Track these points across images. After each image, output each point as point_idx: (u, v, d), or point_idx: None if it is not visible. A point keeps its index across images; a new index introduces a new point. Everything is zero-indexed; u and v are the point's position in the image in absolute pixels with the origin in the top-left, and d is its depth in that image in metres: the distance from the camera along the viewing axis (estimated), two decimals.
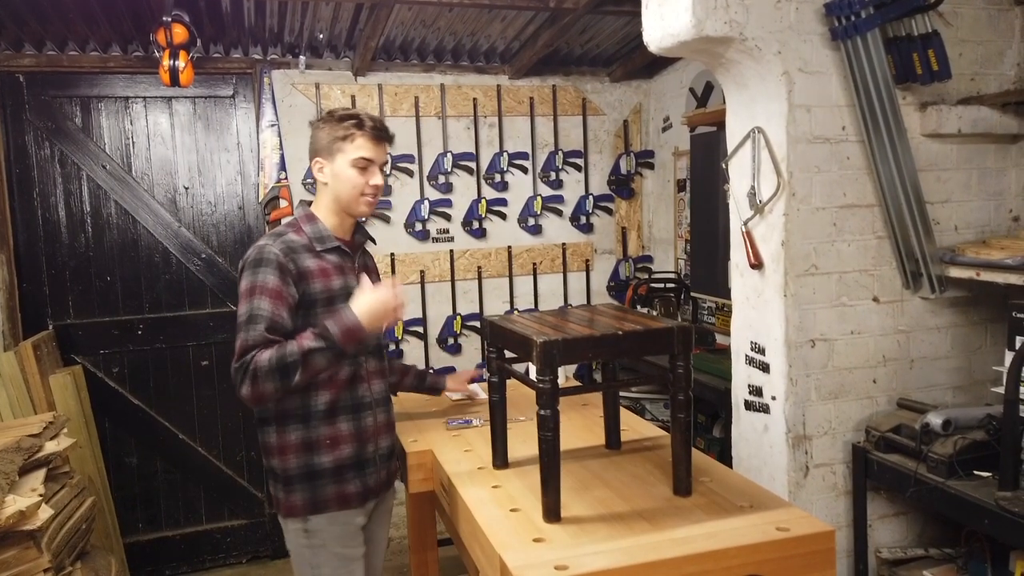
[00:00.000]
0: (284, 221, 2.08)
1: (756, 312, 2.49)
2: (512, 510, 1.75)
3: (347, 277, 1.98)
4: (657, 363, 3.27)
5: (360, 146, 1.94)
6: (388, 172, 3.86)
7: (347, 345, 1.83)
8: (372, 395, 2.01)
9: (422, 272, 3.94)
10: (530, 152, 4.09)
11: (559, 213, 4.17)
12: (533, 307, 4.14)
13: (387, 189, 3.86)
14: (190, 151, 3.65)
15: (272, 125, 3.60)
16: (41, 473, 2.53)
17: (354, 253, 2.05)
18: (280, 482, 1.96)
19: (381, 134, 1.98)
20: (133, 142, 3.58)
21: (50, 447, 2.63)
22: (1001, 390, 2.04)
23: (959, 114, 2.41)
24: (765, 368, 2.45)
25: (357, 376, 1.98)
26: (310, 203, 2.06)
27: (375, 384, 2.03)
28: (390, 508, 2.22)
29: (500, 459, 2.02)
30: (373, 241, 2.19)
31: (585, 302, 4.24)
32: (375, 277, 2.13)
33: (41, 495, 2.36)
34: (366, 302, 1.84)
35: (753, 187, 2.43)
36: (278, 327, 1.83)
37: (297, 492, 1.95)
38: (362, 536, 2.02)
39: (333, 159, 1.96)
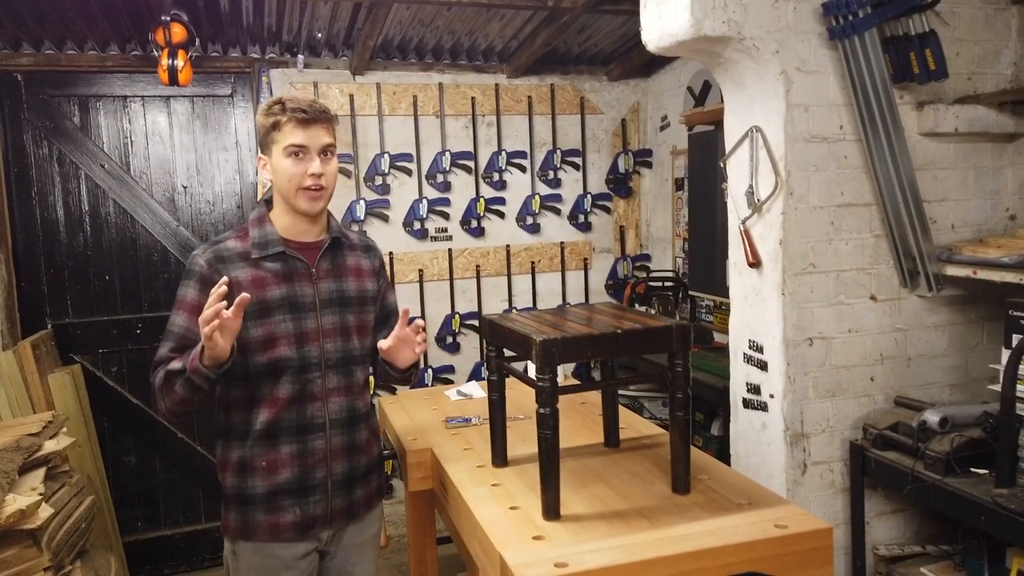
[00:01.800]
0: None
1: (754, 310, 2.50)
2: (512, 508, 1.75)
3: (296, 285, 1.80)
4: (655, 361, 3.30)
5: (288, 132, 1.75)
6: (386, 171, 3.86)
7: (192, 373, 1.63)
8: (327, 415, 1.82)
9: (421, 271, 3.95)
10: (528, 151, 4.09)
11: (557, 212, 4.18)
12: (531, 306, 4.14)
13: (384, 188, 3.86)
14: (188, 150, 3.65)
15: None
16: (41, 472, 2.53)
17: (313, 256, 1.84)
18: (221, 498, 1.86)
19: (307, 115, 1.75)
20: (131, 141, 3.58)
21: (49, 446, 2.64)
22: (998, 388, 2.05)
23: (956, 113, 2.42)
24: (763, 366, 2.46)
25: (306, 394, 1.80)
26: (268, 202, 1.89)
27: (334, 402, 1.83)
28: (372, 539, 2.00)
29: (499, 457, 2.02)
30: (346, 236, 1.93)
31: (583, 301, 4.25)
32: (351, 280, 1.89)
33: (41, 494, 2.36)
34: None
35: (751, 186, 2.43)
36: (189, 343, 1.72)
37: (232, 512, 1.83)
38: (295, 570, 1.82)
39: (270, 152, 1.79)
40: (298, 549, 1.84)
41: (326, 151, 1.80)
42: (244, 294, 1.61)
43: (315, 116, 1.77)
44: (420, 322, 1.88)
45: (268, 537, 1.81)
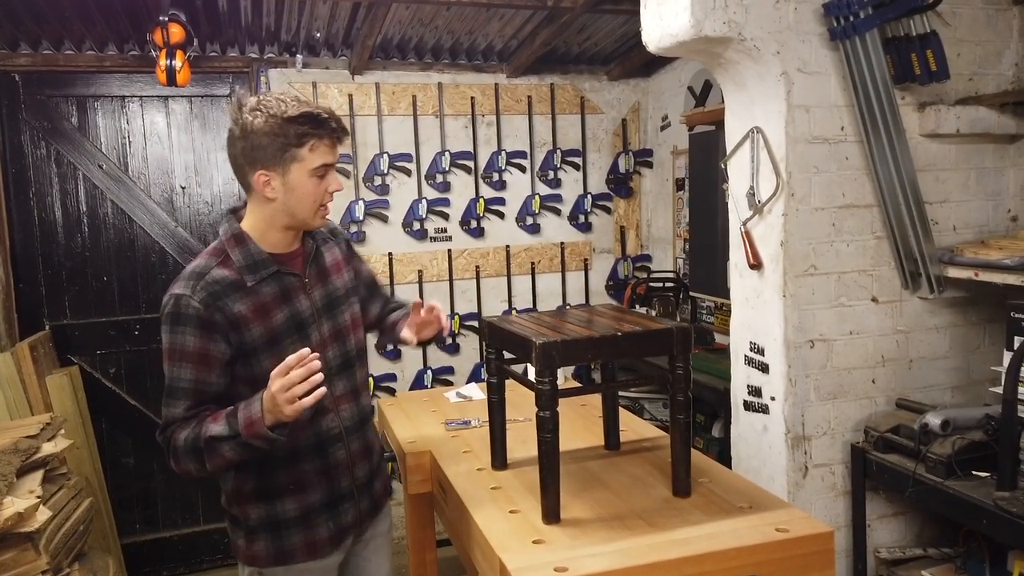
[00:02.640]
0: (211, 245, 1.70)
1: (755, 312, 2.49)
2: (511, 511, 1.74)
3: (295, 302, 1.68)
4: (656, 363, 3.28)
5: (321, 153, 1.60)
6: (385, 171, 3.86)
7: (252, 439, 1.51)
8: (342, 423, 1.76)
9: (420, 272, 3.93)
10: (528, 151, 4.08)
11: (557, 212, 4.17)
12: (531, 307, 4.13)
13: (383, 188, 3.85)
14: (187, 150, 3.64)
15: None
16: (39, 474, 2.52)
17: (304, 267, 1.73)
18: (242, 529, 1.75)
19: (343, 134, 1.64)
20: (129, 141, 3.57)
21: (47, 448, 2.62)
22: (999, 390, 2.04)
23: (957, 114, 2.41)
24: (764, 368, 2.45)
25: (319, 408, 1.67)
26: (236, 212, 1.71)
27: (345, 409, 1.78)
28: (385, 534, 1.97)
29: (499, 460, 2.01)
30: (316, 234, 1.81)
31: (583, 302, 4.24)
32: (335, 277, 1.80)
33: (39, 497, 2.35)
34: (267, 394, 1.51)
35: (752, 187, 2.42)
36: (205, 396, 1.60)
37: (260, 541, 1.73)
38: None
39: (286, 170, 1.60)
40: (329, 562, 1.80)
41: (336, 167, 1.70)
42: (316, 356, 1.50)
43: (343, 135, 1.64)
44: (432, 304, 1.87)
45: (306, 557, 1.74)
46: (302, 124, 1.59)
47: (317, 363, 1.49)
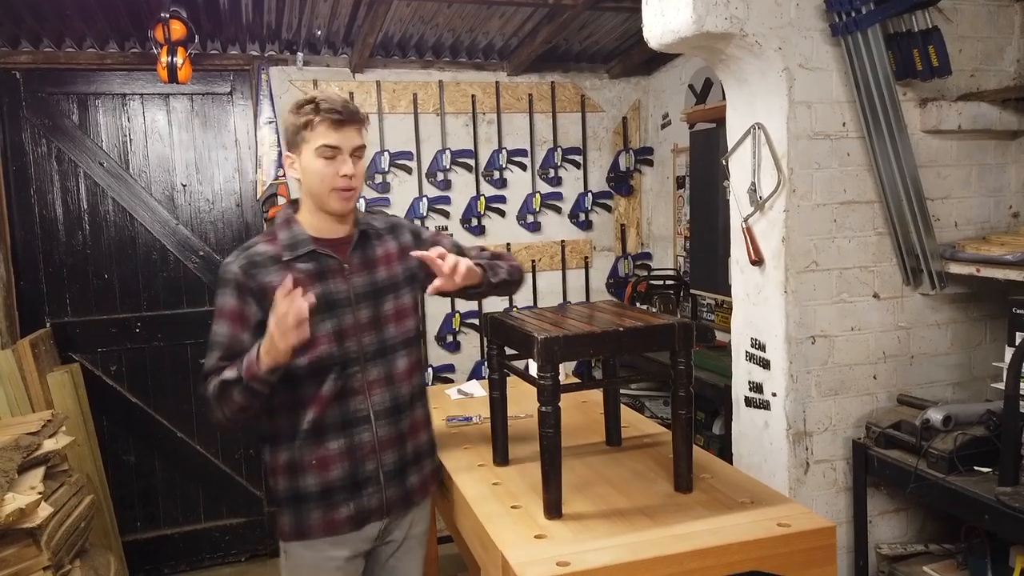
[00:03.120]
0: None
1: (756, 309, 2.49)
2: (513, 507, 1.75)
3: (329, 283, 1.79)
4: (657, 360, 3.29)
5: (321, 133, 1.74)
6: (386, 169, 3.85)
7: (251, 380, 1.65)
8: (371, 407, 1.82)
9: None
10: (529, 149, 4.08)
11: (558, 210, 4.17)
12: (532, 304, 4.13)
13: (384, 186, 3.85)
14: (187, 148, 3.64)
15: (270, 122, 3.59)
16: (40, 471, 2.52)
17: (344, 251, 1.83)
18: (275, 503, 1.88)
19: (341, 116, 1.74)
20: (130, 139, 3.57)
21: (48, 445, 2.63)
22: (1001, 386, 2.04)
23: (959, 110, 2.41)
24: (766, 365, 2.45)
25: (348, 389, 1.79)
26: (295, 202, 1.89)
27: (376, 394, 1.83)
28: (420, 537, 1.99)
29: (500, 456, 2.02)
30: (372, 227, 1.91)
31: (584, 300, 4.24)
32: (381, 269, 1.87)
33: (40, 493, 2.35)
34: (266, 338, 1.64)
35: (754, 183, 2.42)
36: (236, 351, 1.73)
37: (286, 515, 1.83)
38: (343, 572, 1.84)
39: (299, 151, 1.78)
40: (348, 549, 1.84)
41: (357, 152, 1.79)
42: (311, 295, 1.63)
43: (349, 117, 1.75)
44: (437, 253, 1.79)
45: (324, 533, 1.81)
46: (306, 108, 1.75)
47: (301, 300, 1.60)
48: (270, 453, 1.85)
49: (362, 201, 3.81)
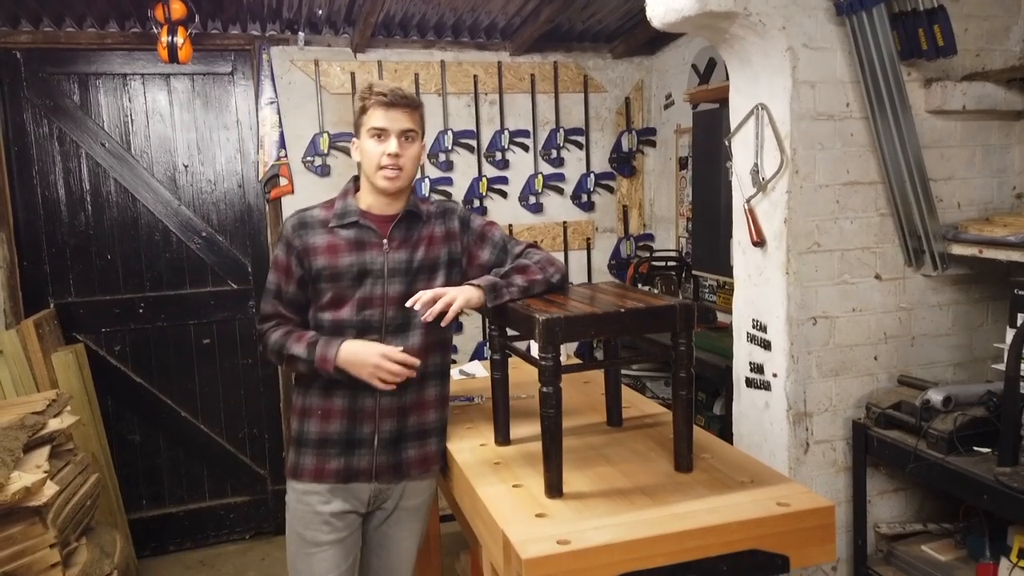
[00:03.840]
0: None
1: (758, 290, 2.49)
2: (514, 486, 1.76)
3: (366, 254, 1.92)
4: (659, 341, 3.28)
5: (372, 116, 1.89)
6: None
7: (320, 367, 1.87)
8: None
9: None
10: (531, 130, 4.06)
11: (560, 191, 4.16)
12: None
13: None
14: (189, 129, 3.63)
15: (271, 102, 3.58)
16: (45, 450, 2.54)
17: (386, 227, 1.93)
18: (289, 442, 2.06)
19: (387, 100, 1.87)
20: (132, 120, 3.56)
21: (54, 424, 2.65)
22: (1002, 367, 2.04)
23: (964, 90, 2.39)
24: (766, 345, 2.45)
25: None
26: (357, 178, 2.02)
27: None
28: (418, 508, 2.08)
29: (502, 436, 2.03)
30: (420, 209, 1.99)
31: (586, 280, 4.24)
32: (422, 249, 1.95)
33: (46, 472, 2.38)
34: (356, 351, 1.86)
35: (756, 164, 2.41)
36: (283, 299, 1.95)
37: (290, 453, 2.01)
38: (331, 527, 1.95)
39: (360, 135, 1.93)
40: (336, 505, 1.96)
41: (406, 135, 1.90)
42: (418, 363, 1.89)
43: (395, 100, 1.88)
44: (419, 303, 1.85)
45: (312, 478, 1.95)
46: (363, 93, 1.93)
47: (410, 371, 1.88)
48: (295, 395, 2.03)
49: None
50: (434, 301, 1.84)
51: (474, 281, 1.89)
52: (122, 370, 3.62)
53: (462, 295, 1.86)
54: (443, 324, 1.87)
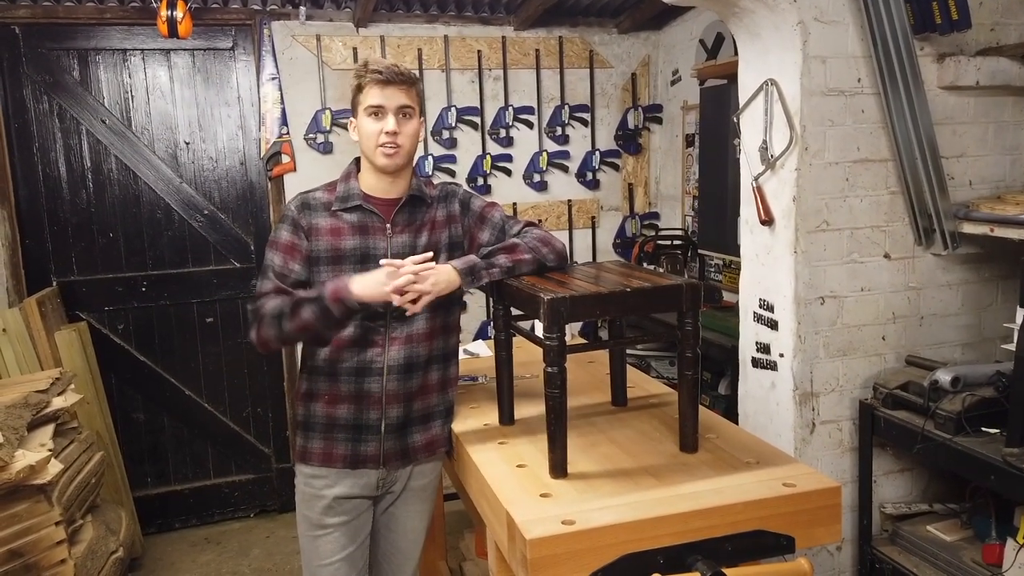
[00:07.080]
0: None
1: (765, 269, 2.46)
2: (519, 466, 1.75)
3: (368, 238, 1.90)
4: (664, 320, 3.27)
5: (369, 94, 1.85)
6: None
7: (333, 303, 1.75)
8: (386, 361, 1.90)
9: None
10: (536, 106, 4.01)
11: (565, 169, 4.12)
12: None
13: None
14: (190, 105, 3.59)
15: (273, 78, 3.54)
16: (49, 428, 2.55)
17: (389, 211, 1.91)
18: (296, 426, 2.05)
19: (383, 76, 1.84)
20: (132, 96, 3.52)
21: (57, 403, 2.65)
22: (1011, 347, 2.02)
23: (978, 65, 2.34)
24: (773, 325, 2.43)
25: (368, 340, 1.90)
26: (359, 160, 1.99)
27: (394, 350, 1.90)
28: (424, 488, 2.07)
29: (506, 416, 2.02)
30: (424, 192, 1.96)
31: (591, 259, 4.21)
32: (425, 234, 1.94)
33: (50, 450, 2.38)
34: (365, 275, 1.79)
35: (765, 141, 2.38)
36: (287, 280, 1.88)
37: (298, 437, 2.00)
38: (337, 510, 1.94)
39: (357, 114, 1.90)
40: (342, 489, 1.95)
41: (403, 111, 1.87)
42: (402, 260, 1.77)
43: (391, 78, 1.85)
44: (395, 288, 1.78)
45: (320, 462, 1.94)
46: (357, 72, 1.89)
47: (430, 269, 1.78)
48: (300, 380, 2.01)
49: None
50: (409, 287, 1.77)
51: (453, 263, 1.86)
52: (125, 348, 3.62)
53: (436, 284, 1.78)
54: (408, 313, 1.81)
